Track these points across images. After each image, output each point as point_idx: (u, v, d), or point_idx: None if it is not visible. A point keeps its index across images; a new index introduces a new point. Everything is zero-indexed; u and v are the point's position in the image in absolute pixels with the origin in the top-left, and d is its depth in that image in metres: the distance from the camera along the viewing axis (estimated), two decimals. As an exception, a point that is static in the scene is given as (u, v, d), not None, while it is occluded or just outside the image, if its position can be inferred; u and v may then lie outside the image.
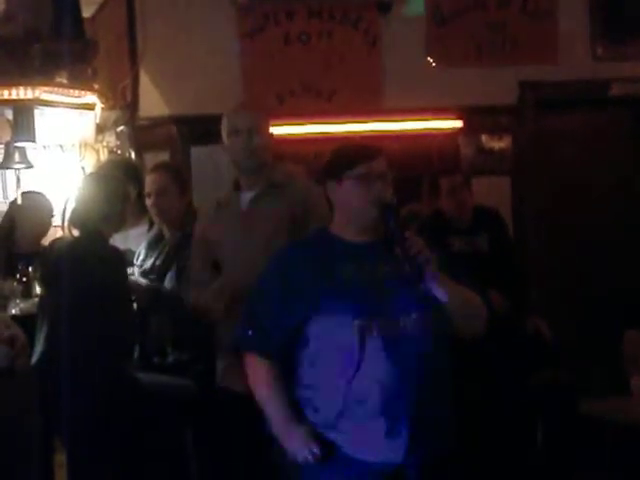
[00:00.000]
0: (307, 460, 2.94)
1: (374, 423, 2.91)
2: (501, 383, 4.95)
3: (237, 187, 4.02)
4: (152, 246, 4.80)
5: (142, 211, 4.98)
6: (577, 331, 5.98)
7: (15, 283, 5.05)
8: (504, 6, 6.58)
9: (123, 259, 4.35)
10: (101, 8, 6.82)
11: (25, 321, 4.53)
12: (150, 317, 4.65)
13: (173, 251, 4.65)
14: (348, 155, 3.11)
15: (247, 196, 3.96)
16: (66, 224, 4.32)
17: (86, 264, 4.13)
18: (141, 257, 4.81)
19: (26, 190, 5.68)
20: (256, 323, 3.09)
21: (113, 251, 4.28)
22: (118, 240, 4.58)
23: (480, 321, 3.13)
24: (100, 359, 4.07)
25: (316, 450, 2.93)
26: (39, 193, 5.50)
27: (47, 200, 5.40)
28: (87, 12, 6.47)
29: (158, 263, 4.69)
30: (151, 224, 4.99)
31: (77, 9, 6.08)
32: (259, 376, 3.08)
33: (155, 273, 4.68)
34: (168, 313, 4.56)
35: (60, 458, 4.35)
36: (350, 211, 3.08)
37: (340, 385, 2.93)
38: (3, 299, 4.89)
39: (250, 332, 3.09)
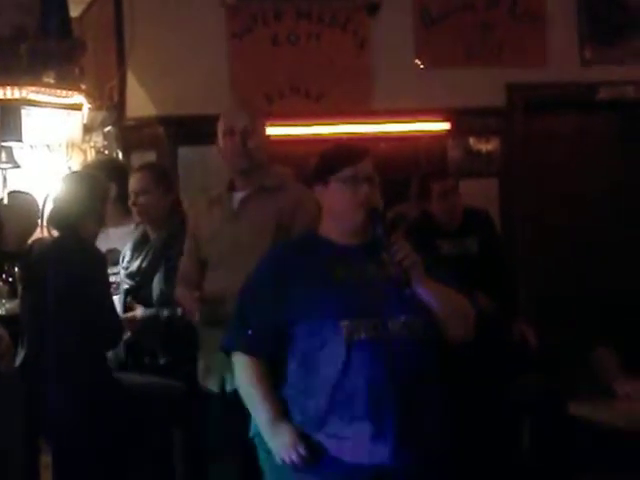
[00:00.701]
0: (293, 461, 2.92)
1: (360, 424, 2.89)
2: (484, 385, 4.95)
3: (231, 187, 4.00)
4: (137, 247, 4.77)
5: (128, 211, 4.97)
6: (564, 333, 5.99)
7: (1, 283, 5.04)
8: (493, 8, 6.59)
9: (103, 258, 4.33)
10: (89, 8, 6.81)
11: (10, 321, 4.50)
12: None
13: (159, 252, 4.63)
14: (335, 157, 3.11)
15: (238, 196, 3.95)
16: (45, 224, 4.30)
17: (65, 264, 4.10)
18: (126, 258, 4.78)
19: (13, 190, 5.66)
20: (246, 322, 3.07)
21: (92, 251, 4.26)
22: (100, 239, 4.56)
23: (468, 324, 3.12)
24: (83, 359, 4.05)
25: (302, 451, 2.91)
26: (26, 193, 5.48)
27: (34, 199, 5.39)
28: (75, 11, 6.46)
29: (144, 265, 4.66)
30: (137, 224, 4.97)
31: (65, 8, 6.08)
32: (247, 375, 3.06)
33: (141, 275, 4.66)
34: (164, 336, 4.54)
35: (46, 459, 4.34)
36: (337, 214, 3.07)
37: (327, 386, 2.92)
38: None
39: (239, 330, 3.07)
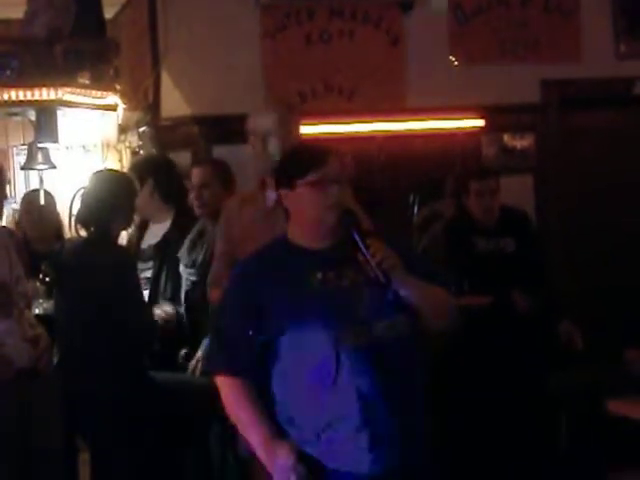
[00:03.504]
0: None
1: (357, 436, 2.81)
2: (521, 382, 4.94)
3: (263, 186, 4.01)
4: (195, 241, 4.77)
5: (170, 207, 4.96)
6: (602, 329, 5.95)
7: (38, 283, 5.07)
8: (527, 3, 6.57)
9: (131, 257, 4.35)
10: (123, 8, 6.84)
11: (48, 321, 4.54)
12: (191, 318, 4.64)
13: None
14: (299, 161, 2.98)
15: (272, 195, 3.94)
16: (73, 223, 4.33)
17: (96, 265, 4.12)
18: (185, 253, 4.78)
19: (30, 189, 5.75)
20: (224, 342, 2.96)
21: (121, 250, 4.28)
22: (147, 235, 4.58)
23: (449, 315, 3.03)
24: (117, 357, 4.09)
25: (302, 471, 2.80)
26: (39, 190, 5.58)
27: (52, 197, 5.48)
28: (109, 13, 6.49)
29: (201, 259, 4.66)
30: (191, 219, 4.94)
31: (99, 9, 6.11)
32: (233, 397, 2.93)
33: (197, 268, 4.66)
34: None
35: (84, 456, 4.37)
36: (307, 218, 2.94)
37: (318, 400, 2.82)
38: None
39: (219, 351, 2.99)
